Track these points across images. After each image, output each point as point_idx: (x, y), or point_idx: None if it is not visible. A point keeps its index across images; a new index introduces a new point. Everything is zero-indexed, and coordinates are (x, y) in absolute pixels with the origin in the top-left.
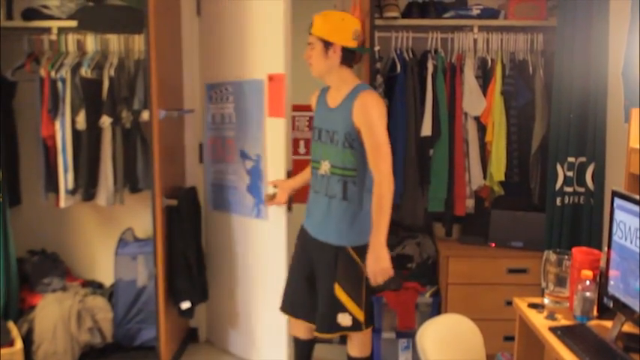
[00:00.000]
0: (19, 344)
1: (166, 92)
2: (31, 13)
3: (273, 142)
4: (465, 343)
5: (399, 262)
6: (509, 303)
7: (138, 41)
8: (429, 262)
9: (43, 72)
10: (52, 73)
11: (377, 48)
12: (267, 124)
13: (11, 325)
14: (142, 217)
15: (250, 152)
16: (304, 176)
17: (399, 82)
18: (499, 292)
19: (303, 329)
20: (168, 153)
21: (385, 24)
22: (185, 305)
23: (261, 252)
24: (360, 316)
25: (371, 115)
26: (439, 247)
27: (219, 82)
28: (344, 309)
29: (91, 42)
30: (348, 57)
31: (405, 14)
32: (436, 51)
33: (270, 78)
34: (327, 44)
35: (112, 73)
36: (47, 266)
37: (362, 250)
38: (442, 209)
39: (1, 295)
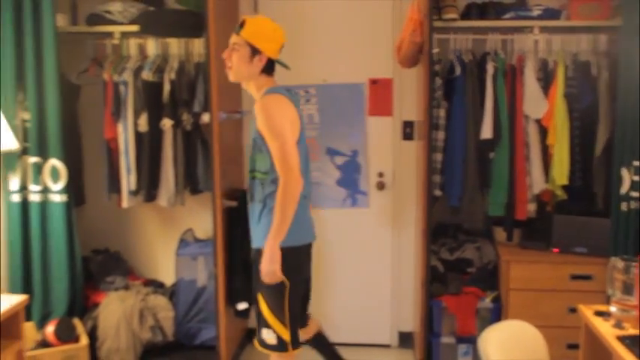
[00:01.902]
0: (84, 340)
1: (226, 95)
2: (94, 19)
3: (375, 138)
4: (529, 350)
5: (458, 266)
6: (573, 310)
7: (197, 45)
8: (489, 266)
9: (106, 75)
10: (115, 77)
11: (435, 50)
12: (368, 123)
13: (77, 321)
14: (202, 218)
15: (342, 149)
16: None
17: (458, 85)
18: (562, 298)
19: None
20: (228, 155)
21: (444, 25)
22: (242, 306)
23: (360, 239)
24: (286, 335)
25: (267, 116)
26: (500, 251)
27: (293, 85)
28: (267, 324)
29: (152, 46)
30: (269, 68)
31: (464, 15)
32: (496, 53)
33: (374, 81)
34: (254, 51)
35: (173, 76)
36: (110, 265)
37: (286, 251)
38: (503, 213)
39: (67, 292)
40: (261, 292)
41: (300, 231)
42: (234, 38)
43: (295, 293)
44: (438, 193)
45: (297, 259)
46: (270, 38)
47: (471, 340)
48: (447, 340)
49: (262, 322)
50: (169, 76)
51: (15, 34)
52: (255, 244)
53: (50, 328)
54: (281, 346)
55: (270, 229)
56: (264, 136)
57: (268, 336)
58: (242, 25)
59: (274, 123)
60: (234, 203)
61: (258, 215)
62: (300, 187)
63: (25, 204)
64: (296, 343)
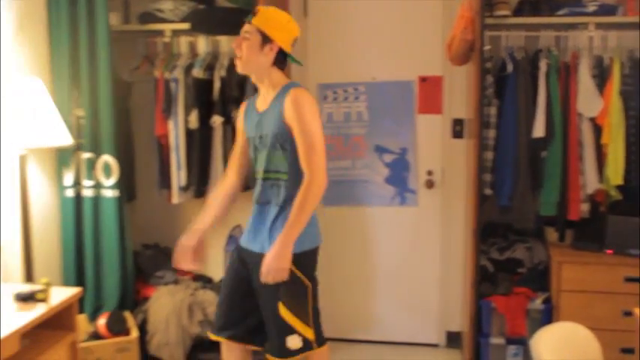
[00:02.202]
0: (134, 333)
1: None
2: (146, 17)
3: (424, 136)
4: (582, 353)
5: (508, 266)
6: (628, 313)
7: None
8: (540, 267)
9: (157, 73)
10: (166, 74)
11: (487, 47)
12: (418, 120)
13: (127, 314)
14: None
15: (390, 146)
16: (211, 213)
17: (510, 82)
18: (616, 301)
19: (239, 354)
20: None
21: (495, 23)
22: None
23: (408, 238)
24: (310, 334)
25: (302, 110)
26: (551, 252)
27: (342, 83)
28: (292, 330)
29: (202, 43)
30: (280, 61)
31: (517, 12)
32: (549, 50)
33: (424, 79)
34: (265, 39)
35: (223, 73)
36: (160, 260)
37: (302, 259)
38: (555, 213)
39: (119, 286)
40: (282, 301)
41: (318, 231)
42: (246, 27)
43: (316, 292)
44: (488, 192)
45: (316, 259)
46: (282, 27)
47: (520, 342)
48: (496, 340)
49: (285, 331)
50: (219, 73)
51: (70, 32)
52: (266, 248)
53: (102, 321)
54: (307, 346)
55: (286, 227)
56: (293, 131)
57: (293, 342)
58: (255, 13)
59: (309, 118)
60: None
61: (273, 219)
62: (324, 189)
63: (78, 199)
64: (321, 339)
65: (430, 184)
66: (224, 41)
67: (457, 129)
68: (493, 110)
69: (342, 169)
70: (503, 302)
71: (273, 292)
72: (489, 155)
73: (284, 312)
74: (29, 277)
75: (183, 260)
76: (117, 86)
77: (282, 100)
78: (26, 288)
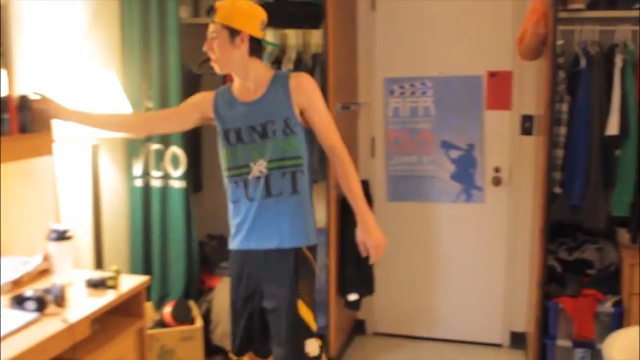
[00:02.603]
0: (199, 322)
1: (342, 86)
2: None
3: (492, 132)
4: None
5: (577, 267)
6: None
7: (315, 36)
8: (610, 269)
9: None
10: None
11: (559, 42)
12: (486, 116)
13: (192, 304)
14: (315, 208)
15: (458, 142)
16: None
17: (583, 78)
18: None
19: None
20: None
21: (569, 16)
22: (353, 297)
23: (474, 235)
24: (315, 327)
25: (313, 91)
26: (623, 254)
27: (409, 77)
28: (310, 333)
29: (270, 37)
30: (257, 48)
31: (591, 6)
32: (625, 44)
33: (493, 74)
34: (233, 32)
35: (291, 66)
36: (225, 251)
37: (313, 252)
38: (628, 214)
39: (184, 275)
40: (302, 299)
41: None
42: (210, 27)
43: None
44: (557, 190)
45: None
46: (246, 15)
47: (588, 345)
48: (562, 343)
49: (304, 334)
50: (287, 66)
51: (141, 25)
52: (286, 242)
53: (168, 309)
54: (321, 351)
55: (358, 203)
56: (306, 112)
57: (312, 347)
58: (215, 10)
59: (319, 97)
60: None
61: (294, 210)
62: None
63: (146, 189)
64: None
65: (497, 182)
66: (292, 34)
67: (526, 125)
68: (565, 107)
69: (407, 164)
70: (572, 304)
71: (291, 289)
72: (560, 153)
73: (303, 310)
74: (99, 264)
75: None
76: (185, 78)
77: (286, 84)
78: (97, 275)
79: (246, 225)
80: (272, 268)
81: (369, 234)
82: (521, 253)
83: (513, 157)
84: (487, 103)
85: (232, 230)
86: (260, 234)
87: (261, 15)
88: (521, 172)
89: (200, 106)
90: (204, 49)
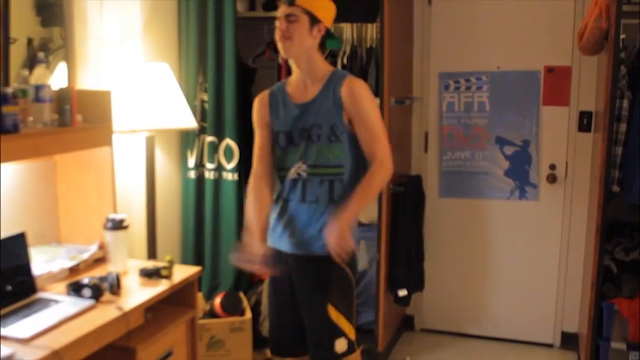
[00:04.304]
0: (248, 314)
1: (397, 80)
2: (271, 4)
3: (548, 128)
4: None
5: (634, 268)
6: None
7: (370, 30)
8: None
9: (280, 59)
10: (289, 61)
11: (622, 36)
12: (542, 112)
13: (242, 295)
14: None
15: (513, 138)
16: (265, 209)
17: None
18: None
19: None
20: (397, 141)
21: (633, 10)
22: (402, 292)
23: (527, 233)
24: (352, 335)
25: (364, 101)
26: None
27: (464, 72)
28: (340, 333)
29: None
30: (323, 42)
31: None
32: None
33: (550, 69)
34: (313, 20)
35: (345, 61)
36: None
37: (350, 257)
38: None
39: (235, 267)
40: (332, 303)
41: None
42: (287, 9)
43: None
44: (615, 189)
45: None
46: (327, 7)
47: None
48: (617, 345)
49: (334, 333)
50: (342, 60)
51: (198, 19)
52: (317, 249)
53: (218, 300)
54: (351, 348)
55: (349, 204)
56: (354, 120)
57: (341, 345)
58: None
59: (371, 108)
60: (400, 189)
61: (328, 219)
62: (389, 178)
63: (200, 180)
64: (357, 342)
65: (552, 179)
66: (347, 28)
67: (584, 122)
68: (625, 103)
69: (461, 160)
70: (628, 305)
71: (322, 293)
72: (619, 150)
73: (334, 314)
74: (152, 254)
75: (250, 264)
76: (241, 72)
77: (337, 90)
78: (151, 264)
79: (280, 225)
80: (302, 272)
81: (334, 235)
82: (575, 252)
83: (570, 154)
84: (544, 99)
85: (271, 227)
86: (291, 238)
87: (334, 9)
88: (578, 170)
89: (265, 117)
90: (281, 27)
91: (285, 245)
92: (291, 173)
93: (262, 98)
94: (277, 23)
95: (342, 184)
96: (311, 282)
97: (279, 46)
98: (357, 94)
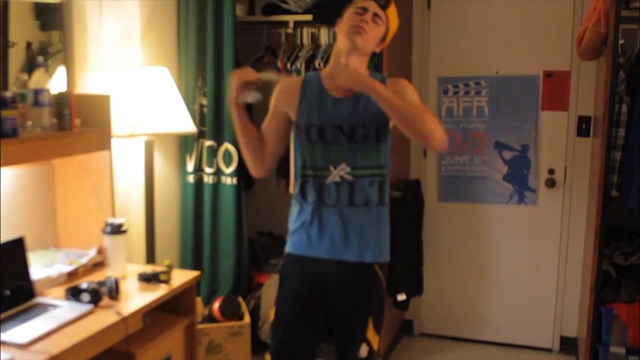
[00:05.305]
0: (247, 319)
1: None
2: (270, 8)
3: (547, 133)
4: None
5: (633, 272)
6: None
7: None
8: None
9: (279, 63)
10: (288, 65)
11: (621, 41)
12: (541, 117)
13: (241, 300)
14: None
15: (511, 143)
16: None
17: None
18: None
19: None
20: (396, 145)
21: (631, 15)
22: (401, 297)
23: (526, 238)
24: (376, 344)
25: (413, 91)
26: None
27: (463, 77)
28: (364, 337)
29: (324, 35)
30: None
31: None
32: None
33: (549, 74)
34: (384, 37)
35: None
36: (274, 248)
37: (384, 269)
38: None
39: (233, 271)
40: (373, 316)
41: None
42: (377, 9)
43: None
44: (614, 193)
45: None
46: (394, 31)
47: None
48: (616, 350)
49: (362, 339)
50: None
51: (197, 23)
52: (367, 256)
53: (216, 304)
54: (371, 357)
55: (387, 90)
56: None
57: (363, 350)
58: (389, 3)
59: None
60: (399, 194)
61: (378, 222)
62: (443, 143)
63: (199, 185)
64: (378, 353)
65: (551, 183)
66: None
67: (583, 127)
68: (624, 108)
69: (459, 164)
70: (627, 310)
71: (366, 305)
72: (617, 155)
73: (371, 334)
74: (151, 258)
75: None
76: None
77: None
78: (149, 269)
79: (315, 231)
80: (346, 282)
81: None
82: (574, 257)
83: (569, 159)
84: (542, 104)
85: (293, 232)
86: (336, 244)
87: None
88: (576, 175)
89: (286, 105)
90: (366, 19)
91: (325, 252)
92: (333, 176)
93: (292, 84)
94: (360, 12)
95: (385, 185)
96: (358, 292)
97: (352, 32)
98: (404, 84)
